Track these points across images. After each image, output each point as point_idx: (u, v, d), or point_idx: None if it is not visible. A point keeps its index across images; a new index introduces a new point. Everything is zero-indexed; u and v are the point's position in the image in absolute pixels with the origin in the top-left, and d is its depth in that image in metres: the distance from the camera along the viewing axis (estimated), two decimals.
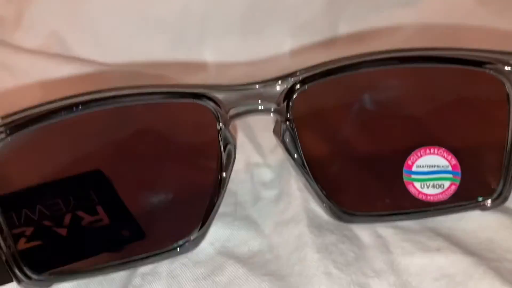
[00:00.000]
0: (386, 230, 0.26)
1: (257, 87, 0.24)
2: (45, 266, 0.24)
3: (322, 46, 0.34)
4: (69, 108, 0.22)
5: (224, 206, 0.27)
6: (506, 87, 0.25)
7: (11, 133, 0.21)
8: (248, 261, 0.25)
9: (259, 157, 0.31)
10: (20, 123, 0.22)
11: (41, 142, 0.24)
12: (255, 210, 0.28)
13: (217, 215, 0.26)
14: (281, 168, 0.29)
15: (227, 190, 0.27)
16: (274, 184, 0.29)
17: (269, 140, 0.30)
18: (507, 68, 0.24)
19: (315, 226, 0.26)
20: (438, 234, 0.26)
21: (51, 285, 0.24)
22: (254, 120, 0.32)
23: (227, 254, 0.25)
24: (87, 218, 0.25)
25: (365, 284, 0.24)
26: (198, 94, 0.24)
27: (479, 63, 0.24)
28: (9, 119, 0.22)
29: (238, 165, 0.29)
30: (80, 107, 0.22)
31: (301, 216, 0.26)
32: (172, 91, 0.24)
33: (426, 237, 0.26)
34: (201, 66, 0.36)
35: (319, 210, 0.27)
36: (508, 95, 0.25)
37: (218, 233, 0.26)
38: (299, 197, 0.27)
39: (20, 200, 0.24)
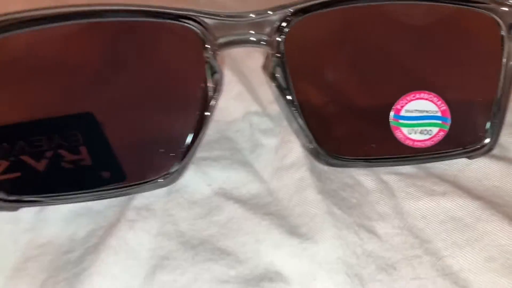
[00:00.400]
0: (390, 176, 0.25)
1: (248, 17, 0.23)
2: (19, 191, 0.23)
3: None
4: (56, 16, 0.21)
5: (222, 150, 0.27)
6: (501, 29, 0.23)
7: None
8: (247, 202, 0.24)
9: (258, 106, 0.29)
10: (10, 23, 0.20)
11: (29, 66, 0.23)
12: (254, 156, 0.27)
13: (215, 158, 0.26)
14: (281, 118, 0.28)
15: (225, 136, 0.27)
16: (274, 132, 0.28)
17: (269, 93, 0.29)
18: (503, 8, 0.23)
19: (317, 172, 0.25)
20: (443, 180, 0.25)
21: (18, 208, 0.23)
22: (252, 74, 0.31)
23: (225, 195, 0.25)
24: (68, 157, 0.24)
25: (370, 226, 0.23)
26: (187, 16, 0.22)
27: (471, 1, 0.23)
28: None
29: (237, 113, 0.29)
30: (71, 16, 0.21)
31: (302, 162, 0.25)
32: (160, 11, 0.22)
33: (431, 183, 0.25)
34: None
35: None
36: (502, 37, 0.23)
37: (215, 174, 0.25)
38: (300, 145, 0.26)
39: (5, 133, 0.23)
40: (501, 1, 0.23)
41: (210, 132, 0.28)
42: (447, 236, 0.22)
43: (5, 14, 0.20)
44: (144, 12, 0.22)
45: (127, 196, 0.24)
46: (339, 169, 0.25)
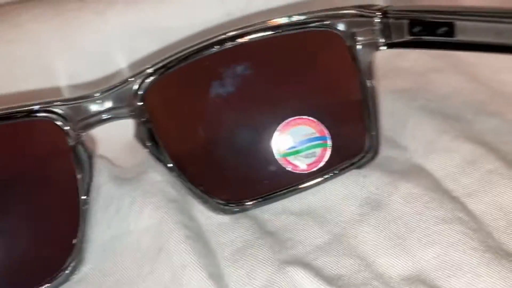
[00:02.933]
0: None
1: (102, 92, 0.23)
2: None
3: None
4: None
5: None
6: (344, 40, 0.24)
7: None
8: None
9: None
10: None
11: None
12: None
13: None
14: None
15: None
16: None
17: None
18: (339, 20, 0.24)
19: None
20: None
21: None
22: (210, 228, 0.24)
23: None
24: None
25: None
26: (41, 110, 0.22)
27: (308, 23, 0.24)
28: None
29: None
30: None
31: None
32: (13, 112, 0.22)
33: None
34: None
35: None
36: (349, 47, 0.24)
37: None
38: None
39: None
40: (335, 14, 0.24)
41: None
42: None
43: None
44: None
45: None
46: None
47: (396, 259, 0.22)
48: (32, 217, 0.23)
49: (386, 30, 0.24)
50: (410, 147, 0.26)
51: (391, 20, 0.23)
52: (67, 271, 0.22)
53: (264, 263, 0.22)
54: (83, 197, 0.23)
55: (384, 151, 0.26)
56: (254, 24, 0.23)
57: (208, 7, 0.29)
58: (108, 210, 0.25)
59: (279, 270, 0.21)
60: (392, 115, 0.28)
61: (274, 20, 0.23)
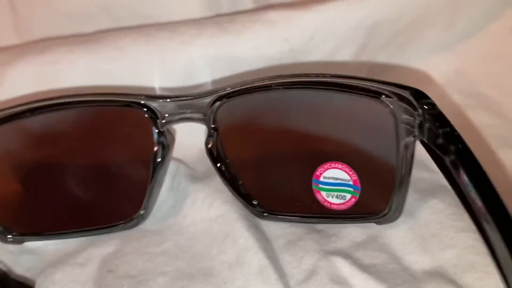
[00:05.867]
0: None
1: (189, 99, 0.28)
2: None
3: None
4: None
5: None
6: (394, 115, 0.25)
7: None
8: None
9: None
10: None
11: None
12: None
13: None
14: None
15: None
16: None
17: (295, 262, 0.27)
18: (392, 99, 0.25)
19: None
20: None
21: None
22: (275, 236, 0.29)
23: None
24: None
25: None
26: (138, 103, 0.28)
27: (375, 93, 0.25)
28: None
29: None
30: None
31: None
32: (114, 100, 0.29)
33: None
34: None
35: None
36: (395, 121, 0.25)
37: None
38: None
39: None
40: (392, 90, 0.25)
41: None
42: None
43: None
44: (104, 102, 0.29)
45: None
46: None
47: (420, 257, 0.26)
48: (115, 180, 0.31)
49: (423, 129, 0.24)
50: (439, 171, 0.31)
51: (427, 125, 0.24)
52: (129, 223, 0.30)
53: (312, 252, 0.27)
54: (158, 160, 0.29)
55: (417, 173, 0.30)
56: (319, 75, 0.26)
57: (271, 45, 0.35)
58: (186, 202, 0.30)
59: (324, 257, 0.26)
60: None
61: (342, 80, 0.26)
